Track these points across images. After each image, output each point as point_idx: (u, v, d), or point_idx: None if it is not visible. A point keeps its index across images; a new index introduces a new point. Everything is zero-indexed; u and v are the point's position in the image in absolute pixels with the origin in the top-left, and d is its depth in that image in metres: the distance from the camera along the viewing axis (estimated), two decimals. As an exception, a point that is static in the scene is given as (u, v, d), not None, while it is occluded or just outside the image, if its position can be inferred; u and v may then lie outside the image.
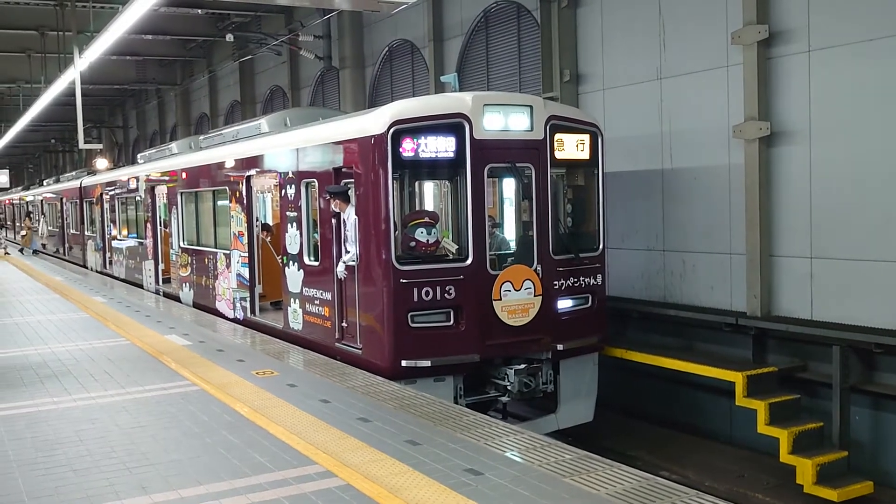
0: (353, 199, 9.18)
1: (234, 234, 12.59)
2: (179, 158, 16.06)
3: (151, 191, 17.04)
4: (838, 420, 8.89)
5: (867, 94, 8.88)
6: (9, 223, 48.32)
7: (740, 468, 9.75)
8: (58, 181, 32.78)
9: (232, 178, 12.67)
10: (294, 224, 10.60)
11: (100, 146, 27.56)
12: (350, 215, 9.20)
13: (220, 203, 13.46)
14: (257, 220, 12.61)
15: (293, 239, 10.63)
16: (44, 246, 32.08)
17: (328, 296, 9.75)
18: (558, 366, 9.61)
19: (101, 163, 27.59)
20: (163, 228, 16.98)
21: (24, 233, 32.62)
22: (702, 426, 10.91)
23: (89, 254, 24.46)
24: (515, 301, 9.00)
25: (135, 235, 18.85)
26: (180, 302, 15.25)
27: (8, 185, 40.72)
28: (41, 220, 33.71)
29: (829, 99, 9.27)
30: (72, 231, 27.34)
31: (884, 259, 8.80)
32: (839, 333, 8.95)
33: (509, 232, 10.33)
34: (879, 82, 8.75)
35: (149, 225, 17.37)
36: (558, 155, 9.46)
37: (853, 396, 8.99)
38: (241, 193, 12.27)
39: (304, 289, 10.38)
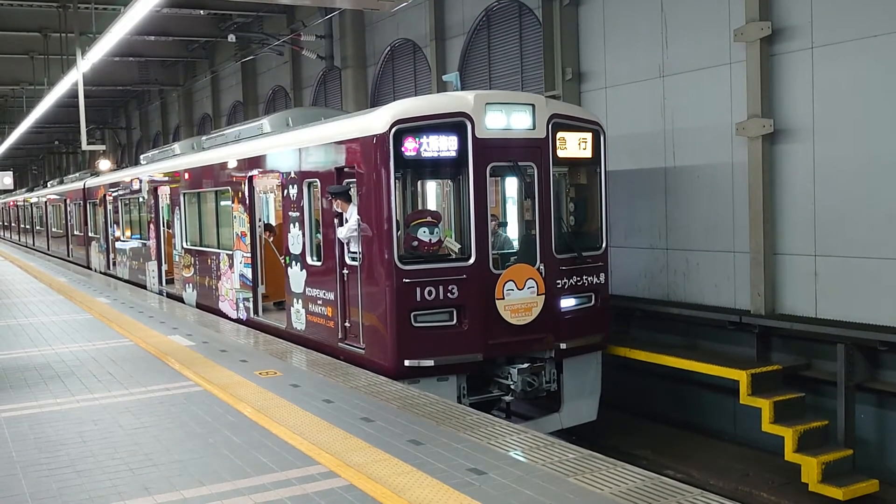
0: (354, 199, 9.18)
1: (237, 234, 12.58)
2: (182, 159, 16.06)
3: (154, 192, 17.05)
4: (843, 418, 8.88)
5: (871, 90, 8.84)
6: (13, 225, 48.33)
7: (745, 467, 9.73)
8: (61, 182, 32.79)
9: (234, 179, 12.67)
10: (296, 224, 10.59)
11: (103, 147, 27.62)
12: (352, 215, 9.19)
13: (222, 203, 13.46)
14: (260, 221, 12.61)
15: (296, 239, 10.62)
16: None
17: (331, 296, 9.74)
18: (562, 365, 9.59)
19: (105, 164, 27.61)
20: (166, 229, 16.99)
21: None
22: (706, 425, 10.88)
23: (93, 255, 24.48)
24: (518, 300, 8.98)
25: (138, 236, 18.86)
26: (183, 302, 15.26)
27: (12, 187, 40.80)
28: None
29: (832, 96, 9.23)
30: (76, 232, 27.38)
31: (888, 257, 8.76)
32: (844, 331, 8.93)
33: (512, 231, 10.31)
34: (883, 79, 8.71)
35: (152, 226, 17.37)
36: (561, 153, 9.45)
37: (858, 395, 8.96)
38: (243, 194, 12.26)
39: (306, 289, 10.37)
